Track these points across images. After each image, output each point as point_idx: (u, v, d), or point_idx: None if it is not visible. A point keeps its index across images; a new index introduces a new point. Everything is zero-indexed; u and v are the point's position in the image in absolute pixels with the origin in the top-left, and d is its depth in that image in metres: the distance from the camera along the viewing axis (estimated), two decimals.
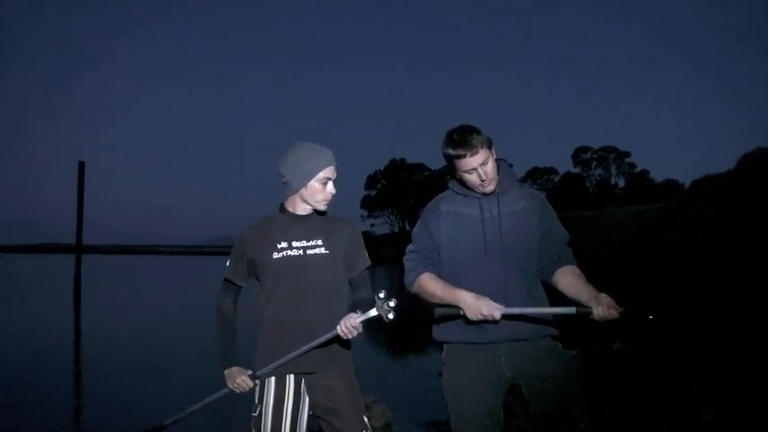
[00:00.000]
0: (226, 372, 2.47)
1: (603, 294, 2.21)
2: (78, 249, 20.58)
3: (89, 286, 20.43)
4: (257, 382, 2.45)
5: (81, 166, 20.37)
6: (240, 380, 2.43)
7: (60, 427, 5.59)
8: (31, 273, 37.60)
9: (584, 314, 2.22)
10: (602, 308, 2.16)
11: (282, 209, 2.53)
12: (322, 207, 2.48)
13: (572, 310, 2.25)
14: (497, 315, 2.23)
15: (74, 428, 5.71)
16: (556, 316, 2.40)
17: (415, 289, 2.45)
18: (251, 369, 2.45)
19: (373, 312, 2.28)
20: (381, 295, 2.25)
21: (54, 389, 7.04)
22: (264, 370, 2.40)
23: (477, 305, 2.24)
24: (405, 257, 2.49)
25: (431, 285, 2.38)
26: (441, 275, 2.40)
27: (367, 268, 2.57)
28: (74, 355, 9.71)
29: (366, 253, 2.57)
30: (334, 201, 2.50)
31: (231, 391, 2.48)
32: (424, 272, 2.41)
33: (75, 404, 6.61)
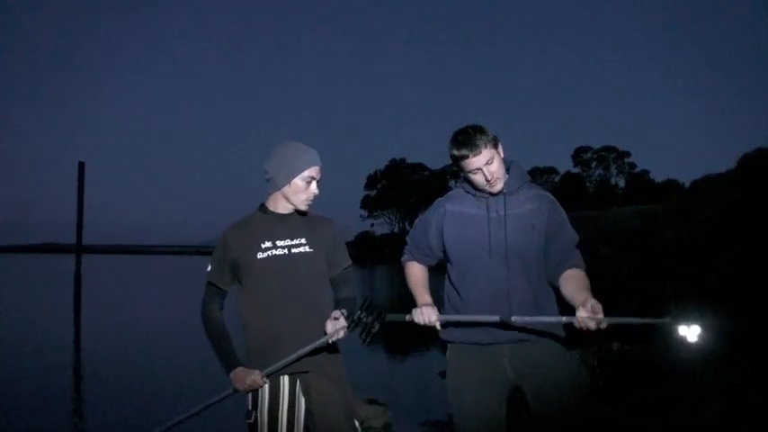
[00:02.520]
0: (231, 374, 2.40)
1: (592, 301, 2.09)
2: (78, 249, 20.60)
3: (89, 286, 20.44)
4: (266, 380, 2.38)
5: (81, 166, 20.40)
6: (251, 379, 2.35)
7: (60, 428, 5.60)
8: (31, 273, 37.59)
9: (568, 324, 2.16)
10: (581, 318, 2.09)
11: (263, 208, 2.49)
12: (303, 207, 2.45)
13: (560, 319, 2.22)
14: (434, 320, 2.33)
15: (74, 429, 5.72)
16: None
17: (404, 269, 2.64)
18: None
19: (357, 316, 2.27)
20: (363, 303, 2.26)
21: (54, 389, 7.04)
22: (273, 368, 2.34)
23: (419, 312, 2.36)
24: (407, 237, 2.64)
25: (409, 275, 2.57)
26: (430, 267, 2.57)
27: (348, 267, 2.56)
28: (74, 356, 9.71)
29: (347, 252, 2.57)
30: (315, 202, 2.47)
31: (235, 391, 2.42)
32: (412, 260, 2.59)
33: (75, 405, 6.62)
